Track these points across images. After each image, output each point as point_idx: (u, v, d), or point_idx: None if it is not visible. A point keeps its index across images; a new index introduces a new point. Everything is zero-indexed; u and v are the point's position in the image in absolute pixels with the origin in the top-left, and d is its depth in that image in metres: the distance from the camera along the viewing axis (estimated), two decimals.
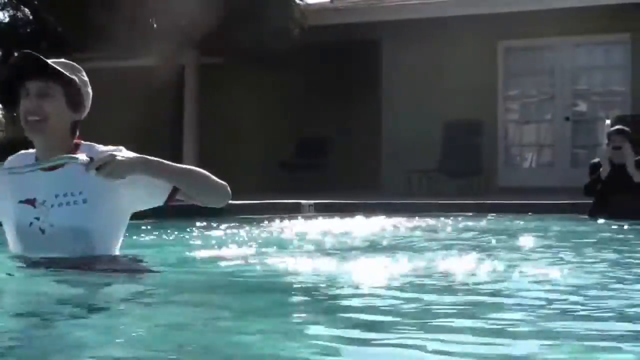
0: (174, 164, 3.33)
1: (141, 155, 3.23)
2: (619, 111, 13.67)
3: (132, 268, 3.42)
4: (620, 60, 14.11)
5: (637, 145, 8.75)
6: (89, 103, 3.47)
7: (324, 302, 2.96)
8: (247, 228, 6.74)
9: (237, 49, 13.49)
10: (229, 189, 3.40)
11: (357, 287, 3.29)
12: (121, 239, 3.49)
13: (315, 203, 10.27)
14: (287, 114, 15.69)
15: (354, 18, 14.84)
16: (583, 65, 14.46)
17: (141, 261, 3.62)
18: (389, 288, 3.19)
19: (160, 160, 3.27)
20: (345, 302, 2.91)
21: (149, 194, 3.34)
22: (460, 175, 13.70)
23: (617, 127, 8.98)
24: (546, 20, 13.71)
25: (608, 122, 11.08)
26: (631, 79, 13.82)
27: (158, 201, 3.39)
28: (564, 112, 14.27)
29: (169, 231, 6.12)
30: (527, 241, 5.70)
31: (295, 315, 2.71)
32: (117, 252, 3.46)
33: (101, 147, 3.40)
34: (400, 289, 3.16)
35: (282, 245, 5.35)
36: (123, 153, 3.24)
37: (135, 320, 2.52)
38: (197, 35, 12.81)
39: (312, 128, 15.71)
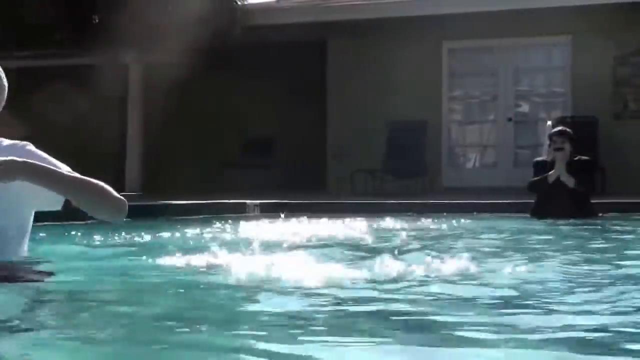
0: (66, 173, 3.10)
1: (27, 162, 2.98)
2: (560, 112, 13.88)
3: (24, 276, 3.17)
4: (561, 61, 14.32)
5: (577, 146, 8.89)
6: (3, 96, 3.32)
7: (248, 303, 2.93)
8: (189, 229, 6.67)
9: (180, 49, 13.38)
10: (125, 205, 3.17)
11: (289, 289, 3.23)
12: (23, 241, 3.33)
13: (260, 203, 10.23)
14: (231, 113, 15.61)
15: (300, 18, 14.83)
16: (525, 67, 14.64)
17: (42, 267, 3.38)
18: (338, 289, 3.17)
19: (49, 168, 3.04)
20: (268, 306, 2.85)
21: (43, 198, 3.15)
22: (405, 175, 13.77)
23: (558, 128, 9.10)
24: (489, 22, 13.86)
25: (549, 123, 11.25)
26: (571, 81, 14.03)
27: (54, 206, 3.22)
28: (507, 113, 14.43)
29: (99, 233, 5.89)
30: (473, 240, 5.75)
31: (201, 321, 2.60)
32: (24, 254, 3.32)
33: (5, 142, 3.26)
34: (342, 290, 3.15)
35: (222, 246, 5.29)
36: (19, 152, 3.07)
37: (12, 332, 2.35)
38: (140, 34, 12.68)
39: (257, 128, 15.67)
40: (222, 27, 13.11)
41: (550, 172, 8.66)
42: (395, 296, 3.01)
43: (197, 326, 2.43)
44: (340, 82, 14.75)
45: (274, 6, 15.58)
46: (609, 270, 4.06)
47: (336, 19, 14.66)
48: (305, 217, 8.25)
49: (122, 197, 3.18)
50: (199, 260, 4.03)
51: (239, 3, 14.38)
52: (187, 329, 2.39)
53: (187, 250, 4.53)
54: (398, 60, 14.18)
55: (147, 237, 5.95)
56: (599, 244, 5.94)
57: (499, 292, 3.13)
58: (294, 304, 2.81)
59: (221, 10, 13.31)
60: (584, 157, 8.80)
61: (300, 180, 14.60)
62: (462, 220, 8.06)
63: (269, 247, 4.94)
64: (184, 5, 12.62)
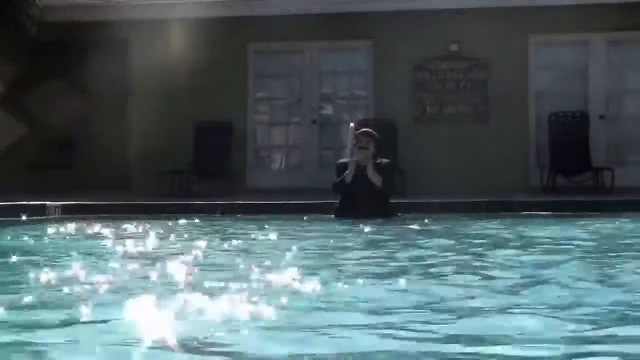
0: None
1: None
2: (362, 115, 14.26)
3: None
4: (363, 65, 14.71)
5: (380, 148, 9.18)
6: None
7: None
8: None
9: None
10: None
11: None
12: None
13: (62, 205, 9.94)
14: (31, 112, 15.04)
15: (102, 16, 14.48)
16: (329, 70, 14.94)
17: None
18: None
19: None
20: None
21: None
22: (211, 176, 13.74)
23: (365, 129, 9.35)
24: (295, 25, 14.06)
25: (352, 125, 11.53)
26: (373, 84, 14.45)
27: None
28: (311, 115, 14.69)
29: None
30: (260, 244, 5.81)
31: None
32: None
33: None
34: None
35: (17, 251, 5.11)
36: None
37: None
38: None
39: (58, 127, 15.17)
40: (17, 24, 12.61)
41: (346, 172, 8.88)
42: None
43: None
44: (144, 81, 14.51)
45: (76, 3, 15.12)
46: (411, 265, 4.22)
47: (139, 18, 14.42)
48: (108, 219, 8.08)
49: None
50: None
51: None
52: None
53: None
54: (204, 61, 14.13)
55: None
56: (397, 242, 6.15)
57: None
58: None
59: (17, 7, 12.78)
60: (384, 160, 9.08)
61: (103, 181, 14.28)
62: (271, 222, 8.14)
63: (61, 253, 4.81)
64: None
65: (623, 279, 3.78)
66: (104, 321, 2.60)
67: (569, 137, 13.33)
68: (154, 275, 3.76)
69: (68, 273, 3.92)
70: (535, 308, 2.86)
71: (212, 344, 2.28)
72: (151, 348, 2.23)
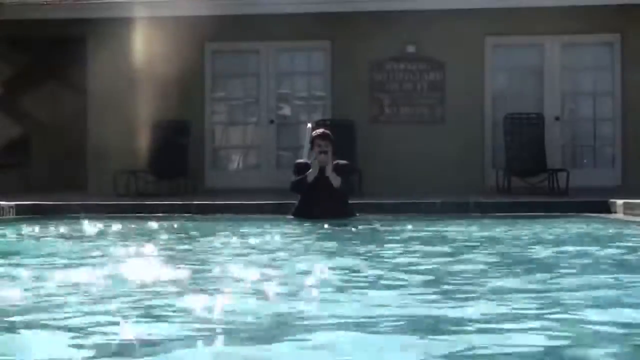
0: None
1: None
2: (320, 115, 14.28)
3: None
4: (321, 66, 14.73)
5: (336, 148, 9.20)
6: None
7: None
8: None
9: None
10: None
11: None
12: None
13: (16, 205, 9.83)
14: None
15: (59, 14, 14.32)
16: (286, 70, 14.93)
17: None
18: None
19: None
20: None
21: None
22: (168, 176, 13.66)
23: (321, 130, 9.33)
24: (251, 25, 14.04)
25: (309, 125, 11.56)
26: (331, 85, 14.48)
27: None
28: (269, 115, 14.67)
29: None
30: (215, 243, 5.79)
31: None
32: None
33: None
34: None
35: None
36: None
37: None
38: None
39: (12, 127, 14.98)
40: None
41: (308, 172, 8.89)
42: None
43: None
44: (100, 80, 14.38)
45: (33, 0, 14.94)
46: (373, 266, 4.24)
47: (96, 16, 14.28)
48: (64, 218, 8.02)
49: None
50: None
51: None
52: None
53: None
54: (161, 60, 14.03)
55: None
56: (355, 242, 6.17)
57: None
58: None
59: None
60: (342, 162, 9.10)
61: (58, 181, 14.12)
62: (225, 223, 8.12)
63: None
64: None
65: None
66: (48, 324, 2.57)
67: (525, 138, 13.47)
68: (96, 277, 3.72)
69: (20, 273, 3.88)
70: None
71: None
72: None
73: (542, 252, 5.19)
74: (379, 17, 13.85)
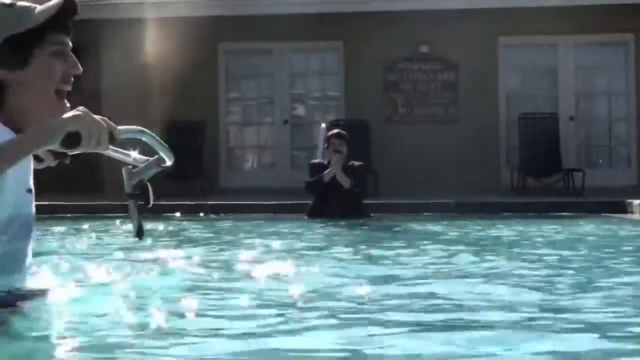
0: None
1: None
2: (333, 115, 14.29)
3: None
4: (334, 67, 14.74)
5: (351, 148, 9.21)
6: None
7: None
8: None
9: None
10: None
11: None
12: None
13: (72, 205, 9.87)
14: None
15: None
16: (300, 71, 14.95)
17: None
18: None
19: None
20: None
21: None
22: (182, 177, 13.67)
23: (336, 130, 9.35)
24: (264, 26, 14.04)
25: (324, 125, 11.56)
26: (344, 85, 14.49)
27: None
28: (283, 115, 14.69)
29: None
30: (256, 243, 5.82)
31: None
32: None
33: None
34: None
35: None
36: None
37: None
38: None
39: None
40: None
41: (325, 172, 8.90)
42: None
43: None
44: (114, 82, 14.40)
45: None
46: (382, 268, 4.25)
47: (108, 18, 14.30)
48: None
49: None
50: None
51: None
52: None
53: None
54: (175, 61, 14.04)
55: None
56: (371, 242, 6.18)
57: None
58: None
59: None
60: (357, 163, 9.11)
61: (69, 182, 14.16)
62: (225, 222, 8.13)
63: None
64: None
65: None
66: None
67: (539, 138, 13.45)
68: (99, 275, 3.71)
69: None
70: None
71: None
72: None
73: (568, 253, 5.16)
74: (392, 18, 13.84)
